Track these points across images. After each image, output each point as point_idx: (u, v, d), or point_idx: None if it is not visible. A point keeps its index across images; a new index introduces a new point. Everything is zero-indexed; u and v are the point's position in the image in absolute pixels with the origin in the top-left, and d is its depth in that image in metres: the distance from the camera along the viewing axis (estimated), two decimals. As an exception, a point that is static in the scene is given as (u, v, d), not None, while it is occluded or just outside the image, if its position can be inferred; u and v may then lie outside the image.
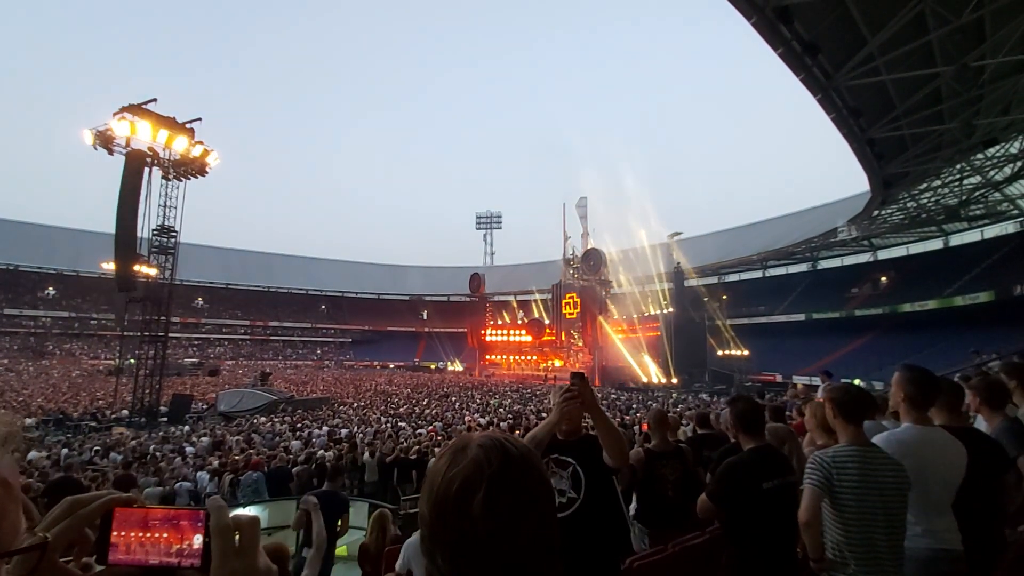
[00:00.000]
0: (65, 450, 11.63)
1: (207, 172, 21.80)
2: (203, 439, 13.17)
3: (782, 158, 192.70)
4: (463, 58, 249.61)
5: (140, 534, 0.57)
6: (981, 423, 2.69)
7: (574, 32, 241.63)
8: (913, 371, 2.20)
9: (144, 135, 19.21)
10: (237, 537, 0.55)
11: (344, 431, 13.79)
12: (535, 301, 57.60)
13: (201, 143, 20.85)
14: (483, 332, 50.23)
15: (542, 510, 0.68)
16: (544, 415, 16.48)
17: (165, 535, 0.56)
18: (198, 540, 0.56)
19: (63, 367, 45.17)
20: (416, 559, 3.09)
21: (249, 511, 6.48)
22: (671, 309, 37.92)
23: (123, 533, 0.57)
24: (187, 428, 16.63)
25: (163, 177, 20.82)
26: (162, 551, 0.56)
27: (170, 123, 19.83)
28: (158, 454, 10.87)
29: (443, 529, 0.65)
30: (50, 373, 41.12)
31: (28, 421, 17.54)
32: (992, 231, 30.67)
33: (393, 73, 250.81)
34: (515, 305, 58.61)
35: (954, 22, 9.42)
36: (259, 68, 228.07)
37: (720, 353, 36.19)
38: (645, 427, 7.85)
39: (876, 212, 25.36)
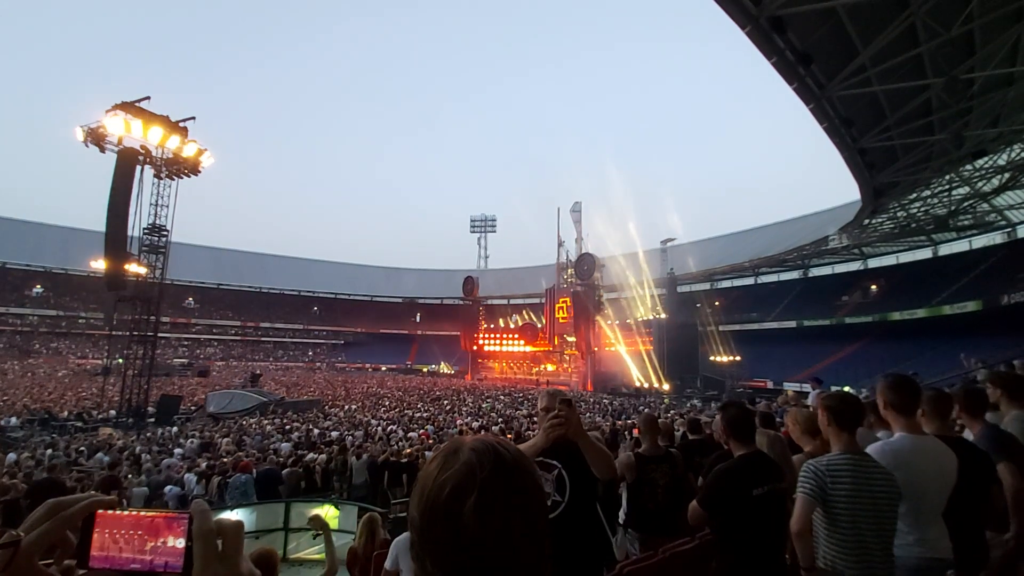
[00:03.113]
0: (49, 451, 11.45)
1: (200, 171, 21.64)
2: (192, 440, 13.03)
3: (775, 166, 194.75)
4: (460, 62, 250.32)
5: (122, 538, 0.56)
6: (968, 435, 2.71)
7: (571, 37, 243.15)
8: (892, 378, 2.23)
9: (137, 133, 19.05)
10: (220, 542, 0.54)
11: (335, 433, 13.71)
12: (528, 305, 57.64)
13: (194, 142, 20.72)
14: (476, 335, 50.20)
15: (534, 515, 0.67)
16: (535, 419, 16.46)
17: (147, 539, 0.56)
18: (180, 545, 0.55)
19: (50, 366, 44.59)
20: (404, 557, 3.10)
21: (237, 514, 6.42)
22: (664, 315, 38.09)
23: (105, 537, 0.56)
24: (175, 429, 16.45)
25: (155, 176, 20.64)
26: (144, 555, 0.55)
27: (163, 121, 19.68)
28: (145, 456, 10.74)
29: (433, 534, 0.64)
30: (36, 372, 40.57)
31: (13, 421, 17.29)
32: (980, 241, 31.09)
33: (389, 75, 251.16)
34: (508, 309, 58.60)
35: (944, 35, 9.56)
36: (255, 67, 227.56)
37: (712, 359, 36.38)
38: (637, 432, 7.87)
39: (867, 221, 25.63)
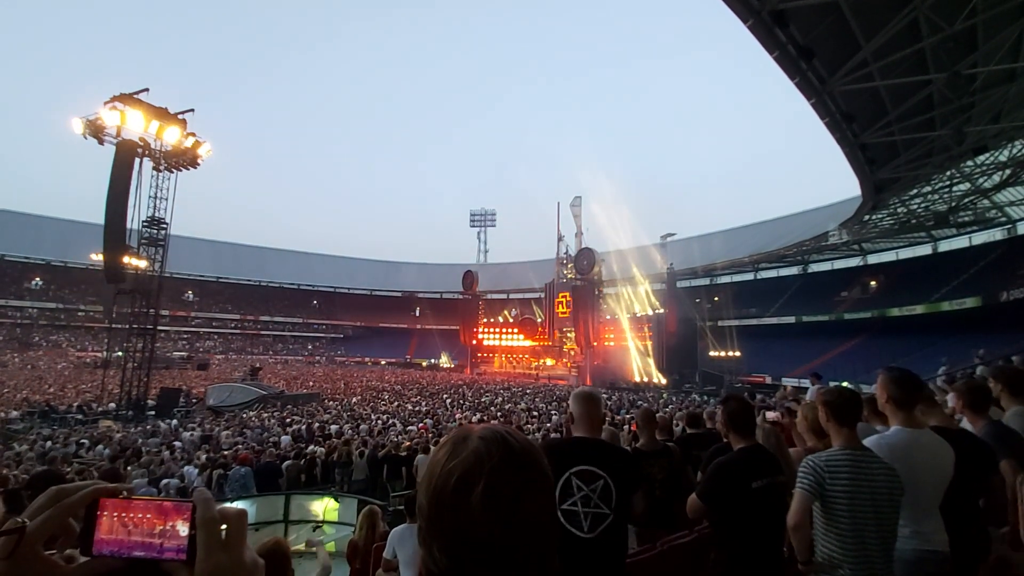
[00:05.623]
0: (48, 443, 11.48)
1: (199, 164, 21.58)
2: (192, 433, 13.07)
3: (774, 161, 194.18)
4: (461, 59, 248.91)
5: (125, 526, 0.56)
6: (965, 425, 2.73)
7: (571, 33, 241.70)
8: (895, 372, 2.23)
9: (135, 125, 18.94)
10: (223, 530, 0.55)
11: (334, 427, 13.76)
12: (528, 300, 57.61)
13: (193, 134, 20.63)
14: (476, 330, 50.22)
15: (542, 504, 0.67)
16: (535, 414, 16.56)
17: (150, 527, 0.56)
18: (184, 532, 0.55)
19: (49, 359, 44.61)
20: (401, 546, 3.14)
21: (236, 506, 6.44)
22: (663, 309, 38.11)
23: (108, 524, 0.56)
24: (175, 422, 16.50)
25: (154, 168, 20.56)
26: (147, 543, 0.55)
27: (162, 113, 19.58)
28: (144, 448, 10.77)
29: (441, 521, 0.64)
30: (36, 365, 40.61)
31: (13, 414, 17.32)
32: (980, 238, 31.08)
33: (391, 70, 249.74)
34: (508, 303, 58.56)
35: (947, 30, 9.51)
36: (255, 60, 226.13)
37: (711, 354, 36.44)
38: (635, 427, 7.89)
39: (867, 217, 25.60)
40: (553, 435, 10.67)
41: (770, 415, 3.92)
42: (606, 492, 1.87)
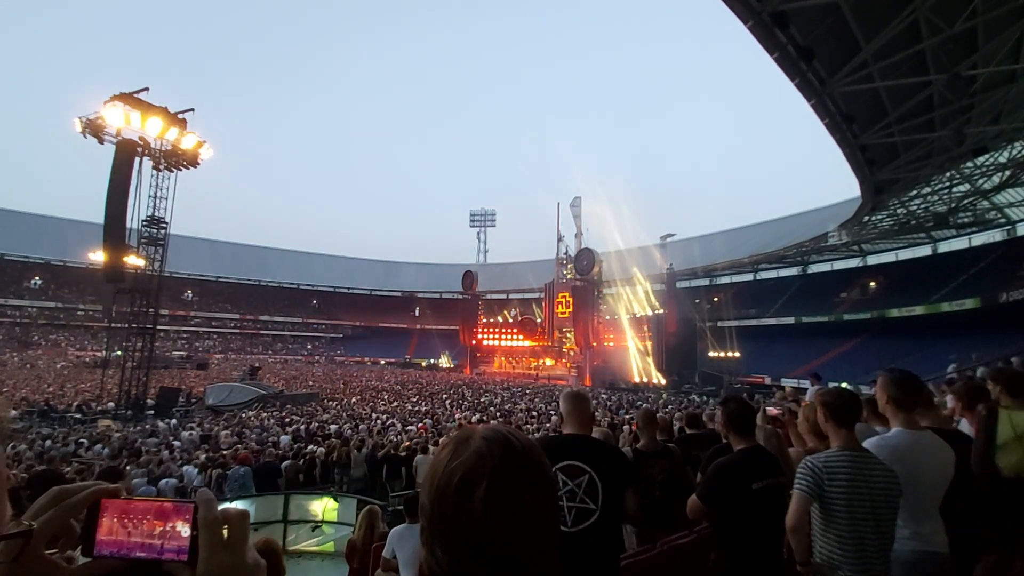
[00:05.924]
0: (48, 442, 11.45)
1: (199, 163, 21.53)
2: (191, 433, 13.05)
3: (774, 162, 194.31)
4: (463, 60, 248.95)
5: (127, 526, 0.56)
6: (965, 426, 2.73)
7: (572, 36, 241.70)
8: (895, 373, 2.23)
9: (135, 124, 18.88)
10: (225, 530, 0.55)
11: (333, 427, 13.75)
12: (528, 300, 57.58)
13: (193, 134, 20.58)
14: (475, 330, 50.18)
15: (544, 505, 0.67)
16: (535, 414, 16.57)
17: (152, 528, 0.55)
18: (185, 533, 0.55)
19: (49, 358, 44.55)
20: (400, 547, 3.14)
21: (236, 506, 6.43)
22: (663, 310, 38.10)
23: (109, 525, 0.56)
24: (174, 422, 16.47)
25: (154, 167, 20.51)
26: (149, 544, 0.55)
27: (161, 113, 19.53)
28: (143, 448, 10.75)
29: (443, 521, 0.65)
30: (36, 364, 40.54)
31: (12, 413, 17.28)
32: (979, 239, 31.09)
33: (392, 71, 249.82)
34: (508, 303, 58.49)
35: (947, 31, 9.52)
36: (255, 60, 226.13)
37: (711, 355, 36.44)
38: (635, 428, 7.88)
39: (867, 218, 25.61)
40: (552, 435, 10.67)
41: (771, 411, 3.93)
42: (591, 487, 1.88)
